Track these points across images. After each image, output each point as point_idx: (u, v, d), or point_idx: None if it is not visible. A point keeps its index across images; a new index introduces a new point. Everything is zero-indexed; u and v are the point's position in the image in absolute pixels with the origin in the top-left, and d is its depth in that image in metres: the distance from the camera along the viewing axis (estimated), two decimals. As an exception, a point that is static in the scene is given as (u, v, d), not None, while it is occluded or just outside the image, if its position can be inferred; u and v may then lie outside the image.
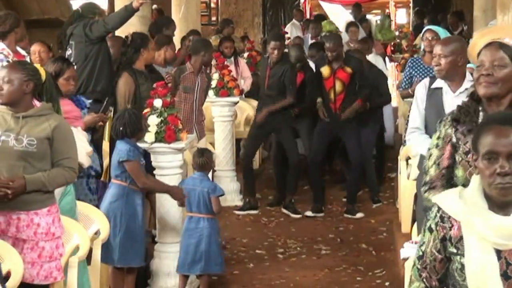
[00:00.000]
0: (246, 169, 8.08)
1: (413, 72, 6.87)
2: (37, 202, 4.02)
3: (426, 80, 4.75)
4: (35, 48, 7.44)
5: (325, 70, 7.70)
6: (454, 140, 3.20)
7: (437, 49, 4.51)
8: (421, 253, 2.61)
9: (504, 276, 2.42)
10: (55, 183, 4.06)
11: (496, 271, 2.41)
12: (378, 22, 14.76)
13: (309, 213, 7.89)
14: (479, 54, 3.14)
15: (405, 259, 3.93)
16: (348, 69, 7.68)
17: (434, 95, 4.55)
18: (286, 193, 8.07)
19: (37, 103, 4.14)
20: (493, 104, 3.13)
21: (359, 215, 7.84)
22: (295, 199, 8.11)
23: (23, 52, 6.57)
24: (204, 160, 5.64)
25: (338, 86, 7.67)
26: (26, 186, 3.93)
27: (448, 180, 3.24)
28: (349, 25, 11.26)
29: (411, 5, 18.20)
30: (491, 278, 2.42)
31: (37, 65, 4.29)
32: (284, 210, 7.97)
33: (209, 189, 5.59)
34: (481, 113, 3.14)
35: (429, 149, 3.32)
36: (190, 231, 5.52)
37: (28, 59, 6.44)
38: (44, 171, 4.00)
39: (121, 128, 5.35)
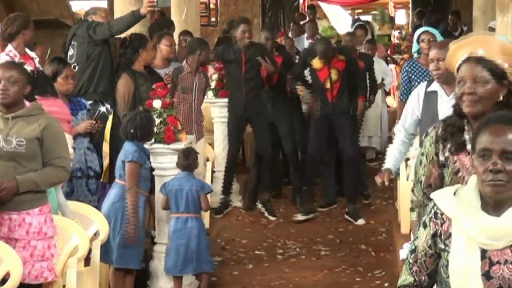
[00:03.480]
0: (228, 166, 7.96)
1: (412, 76, 6.86)
2: (28, 202, 4.02)
3: (424, 84, 4.77)
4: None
5: (317, 62, 7.65)
6: (442, 158, 3.18)
7: (434, 53, 4.48)
8: (413, 247, 2.65)
9: (486, 276, 2.43)
10: (48, 182, 4.07)
11: (477, 271, 2.43)
12: (377, 19, 14.71)
13: (302, 217, 7.80)
14: (458, 69, 3.12)
15: (405, 260, 3.93)
16: (341, 57, 7.66)
17: (430, 99, 4.56)
18: (261, 192, 7.99)
19: (27, 103, 4.15)
20: (478, 119, 3.09)
21: (360, 221, 7.72)
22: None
23: (32, 54, 6.56)
24: (189, 162, 5.61)
25: (334, 74, 7.60)
26: (18, 186, 3.94)
27: (430, 199, 3.24)
28: (357, 28, 11.28)
29: (410, 6, 18.19)
30: (472, 277, 2.43)
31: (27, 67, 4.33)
32: (259, 206, 7.90)
33: (198, 187, 5.57)
34: (466, 128, 3.11)
35: (415, 165, 3.33)
36: (179, 232, 5.48)
37: (37, 61, 6.45)
38: (35, 171, 4.00)
39: (131, 131, 5.33)
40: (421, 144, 3.35)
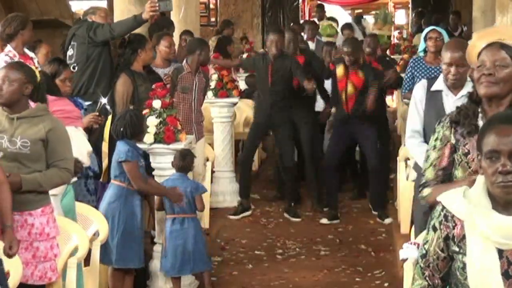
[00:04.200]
0: (244, 170, 7.95)
1: (415, 73, 6.84)
2: (31, 202, 4.02)
3: (425, 82, 4.69)
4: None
5: (339, 70, 7.55)
6: (453, 141, 3.21)
7: (450, 57, 4.35)
8: (424, 252, 2.63)
9: (505, 275, 2.43)
10: (51, 183, 4.06)
11: (497, 271, 2.43)
12: (379, 18, 14.68)
13: (324, 221, 7.71)
14: (479, 55, 3.15)
15: (404, 260, 3.92)
16: (361, 74, 7.52)
17: (434, 98, 4.49)
18: (285, 199, 8.04)
19: (32, 104, 4.14)
20: (493, 104, 3.14)
21: (388, 220, 7.57)
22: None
23: (31, 54, 6.57)
24: (185, 164, 5.60)
25: (350, 87, 7.50)
26: (21, 183, 3.93)
27: (443, 181, 3.25)
28: (343, 27, 11.26)
29: (410, 6, 18.20)
30: (492, 277, 2.43)
31: (32, 67, 4.30)
32: (285, 215, 7.90)
33: (192, 188, 5.57)
34: (480, 115, 3.15)
35: (427, 150, 3.34)
36: (176, 233, 5.48)
37: (36, 61, 6.45)
38: (39, 172, 4.00)
39: (121, 129, 5.34)
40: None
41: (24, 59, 6.14)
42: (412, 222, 5.09)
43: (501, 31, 3.25)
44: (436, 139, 3.28)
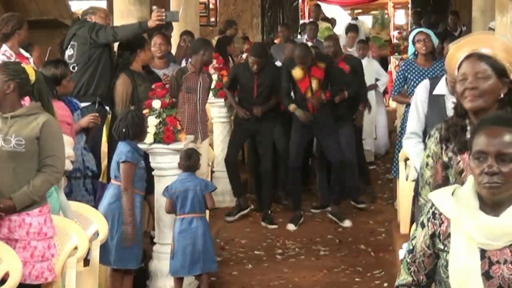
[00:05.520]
0: (230, 171, 7.88)
1: (408, 75, 6.84)
2: None
3: (427, 83, 4.65)
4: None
5: (297, 72, 7.46)
6: (445, 159, 3.19)
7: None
8: (411, 247, 2.66)
9: (486, 275, 2.45)
10: (41, 191, 4.07)
11: (478, 271, 2.45)
12: (377, 23, 14.73)
13: (291, 226, 7.58)
14: (459, 67, 3.14)
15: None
16: (321, 64, 7.48)
17: (437, 102, 4.47)
18: (263, 206, 7.89)
19: (27, 103, 4.14)
20: (479, 116, 3.11)
21: (347, 223, 7.60)
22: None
23: (26, 54, 6.58)
24: (191, 163, 5.60)
25: (314, 84, 7.45)
26: (15, 206, 3.96)
27: None
28: (348, 29, 11.22)
29: (410, 6, 18.20)
30: (472, 277, 2.45)
31: (26, 66, 4.28)
32: (262, 223, 7.72)
33: (202, 186, 5.57)
34: (468, 128, 3.12)
35: (420, 168, 3.33)
36: (184, 233, 5.47)
37: (31, 61, 6.45)
38: (28, 185, 3.99)
39: (123, 130, 5.34)
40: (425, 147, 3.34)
41: (20, 59, 6.15)
42: (412, 222, 5.09)
43: (479, 40, 3.21)
44: (427, 156, 3.26)
